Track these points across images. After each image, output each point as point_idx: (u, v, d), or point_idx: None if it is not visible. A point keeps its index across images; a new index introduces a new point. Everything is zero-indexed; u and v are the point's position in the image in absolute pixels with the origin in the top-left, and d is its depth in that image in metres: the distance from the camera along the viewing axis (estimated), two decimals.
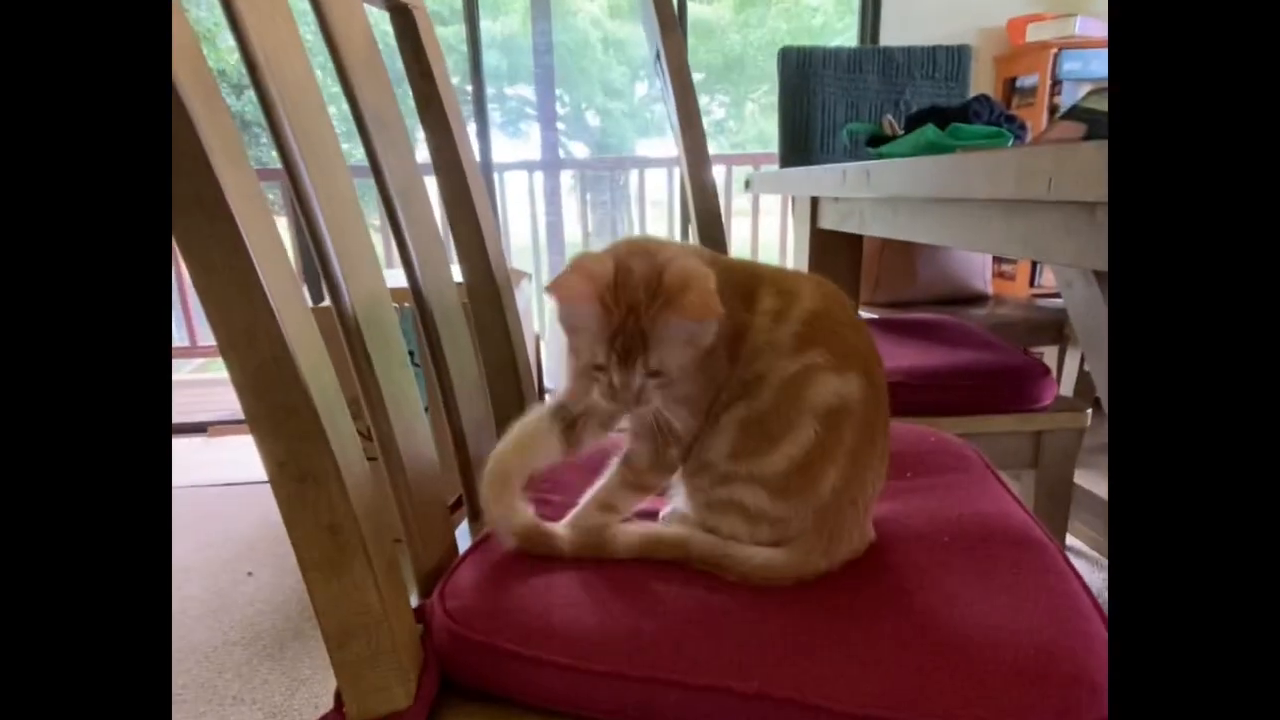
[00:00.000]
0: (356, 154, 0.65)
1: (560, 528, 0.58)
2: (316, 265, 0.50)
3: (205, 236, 0.36)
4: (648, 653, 0.47)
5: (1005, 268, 2.27)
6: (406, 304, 1.46)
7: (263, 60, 0.46)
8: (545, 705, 0.49)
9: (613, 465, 0.59)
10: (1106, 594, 1.44)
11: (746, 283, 0.55)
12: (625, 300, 0.50)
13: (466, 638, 0.50)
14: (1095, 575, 1.50)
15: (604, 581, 0.54)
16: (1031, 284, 2.26)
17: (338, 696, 0.48)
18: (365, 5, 0.66)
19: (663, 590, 0.53)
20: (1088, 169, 0.62)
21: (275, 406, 0.39)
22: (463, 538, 0.66)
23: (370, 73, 0.62)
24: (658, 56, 1.04)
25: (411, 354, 1.55)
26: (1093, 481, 1.63)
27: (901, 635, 0.48)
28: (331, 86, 0.59)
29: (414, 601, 0.54)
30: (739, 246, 3.45)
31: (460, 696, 0.51)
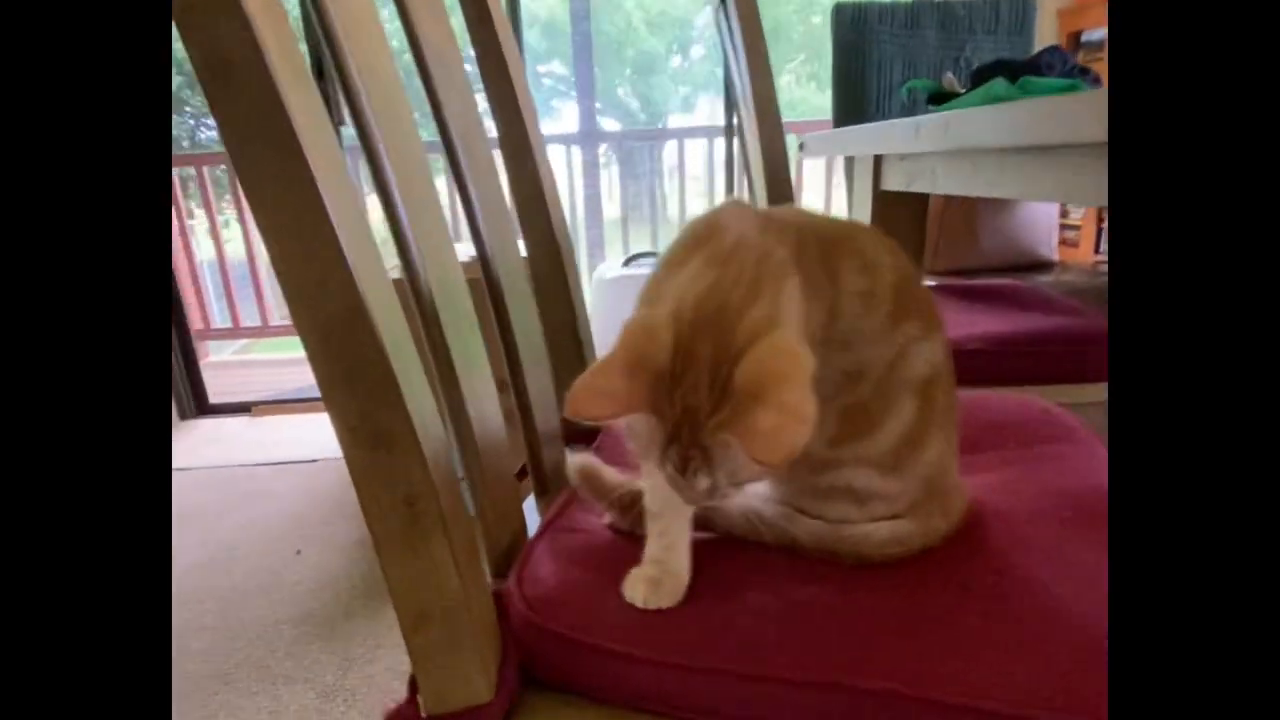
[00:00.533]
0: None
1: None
2: (389, 230, 0.46)
3: (273, 171, 0.32)
4: (751, 649, 0.42)
5: (1068, 234, 2.16)
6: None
7: (342, 32, 0.41)
8: (635, 703, 0.45)
9: None
10: None
11: (829, 252, 0.48)
12: (681, 401, 0.39)
13: (549, 629, 0.46)
14: None
15: (695, 569, 0.49)
16: (1096, 250, 2.15)
17: (412, 684, 0.44)
18: None
19: (758, 579, 0.48)
20: None
21: (347, 362, 0.35)
22: (529, 514, 0.62)
23: (430, 12, 0.57)
24: (722, 3, 0.98)
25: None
26: None
27: (1026, 620, 0.42)
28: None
29: (490, 585, 0.50)
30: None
31: (541, 691, 0.47)
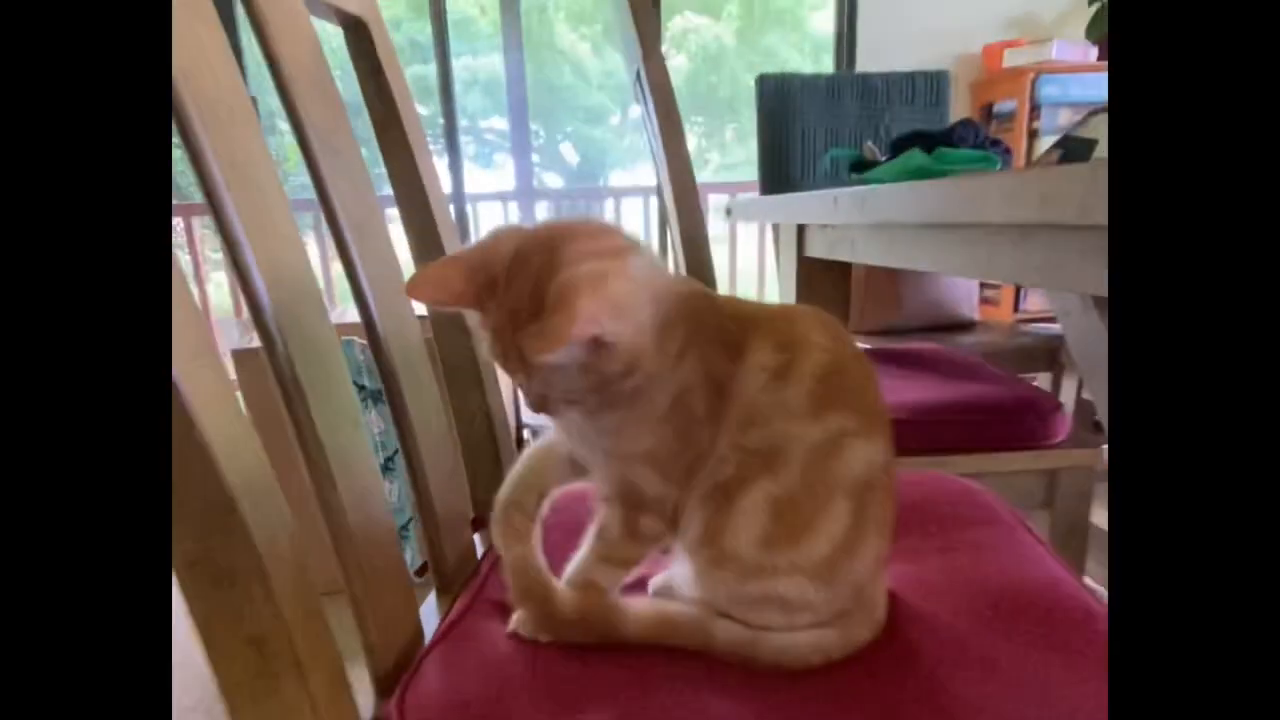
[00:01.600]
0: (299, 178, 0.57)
1: (564, 588, 0.50)
2: (245, 305, 0.42)
3: None
4: None
5: (989, 293, 2.23)
6: (358, 340, 1.37)
7: (179, 72, 0.38)
8: None
9: (589, 536, 0.51)
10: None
11: (732, 328, 0.46)
12: (507, 304, 0.42)
13: None
14: None
15: (603, 678, 0.45)
16: (1015, 309, 2.22)
17: None
18: (313, 19, 0.58)
19: (659, 678, 0.45)
20: (1087, 187, 0.56)
21: (180, 487, 0.31)
22: (427, 617, 0.57)
23: (318, 92, 0.55)
24: (638, 77, 0.98)
25: (378, 392, 1.46)
26: (1104, 518, 1.57)
27: None
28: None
29: (370, 709, 0.46)
30: (716, 275, 3.41)
31: None
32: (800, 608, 0.46)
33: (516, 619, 0.50)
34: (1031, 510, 1.01)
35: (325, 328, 0.48)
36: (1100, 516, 1.55)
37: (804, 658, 0.46)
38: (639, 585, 0.54)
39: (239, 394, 1.28)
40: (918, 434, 0.97)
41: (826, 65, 2.54)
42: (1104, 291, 0.67)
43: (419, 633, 0.55)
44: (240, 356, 1.37)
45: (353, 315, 0.59)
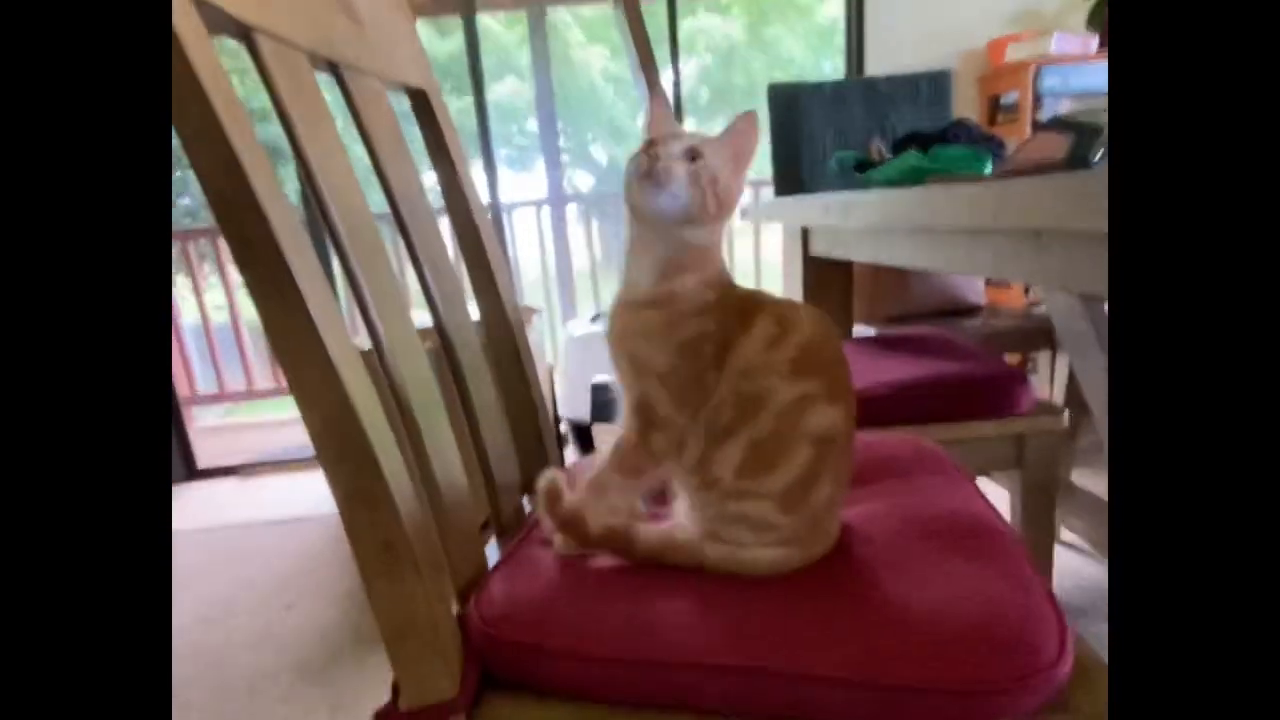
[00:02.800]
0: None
1: (594, 518, 0.66)
2: (364, 325, 0.60)
3: (284, 318, 0.46)
4: (655, 639, 0.56)
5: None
6: (428, 345, 1.56)
7: (314, 161, 0.56)
8: (570, 691, 0.58)
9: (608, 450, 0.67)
10: (1106, 584, 1.50)
11: (746, 305, 0.64)
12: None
13: (501, 638, 0.59)
14: (1091, 568, 1.56)
15: (618, 584, 0.62)
16: (1026, 293, 2.33)
17: (394, 687, 0.57)
18: (389, 93, 0.76)
19: (667, 588, 0.61)
20: (1027, 202, 0.71)
21: (341, 446, 0.49)
22: (492, 554, 0.75)
23: (397, 153, 0.72)
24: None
25: None
26: (1087, 479, 1.69)
27: (871, 613, 0.56)
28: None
29: (454, 610, 0.63)
30: (742, 266, 3.56)
31: (498, 688, 0.60)
32: (765, 528, 0.62)
33: (558, 541, 0.67)
34: (1007, 470, 1.15)
35: (415, 340, 0.65)
36: (1079, 476, 1.67)
37: (771, 567, 0.62)
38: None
39: None
40: (901, 407, 1.12)
41: (834, 55, 2.65)
42: (1034, 281, 0.82)
43: (485, 562, 0.72)
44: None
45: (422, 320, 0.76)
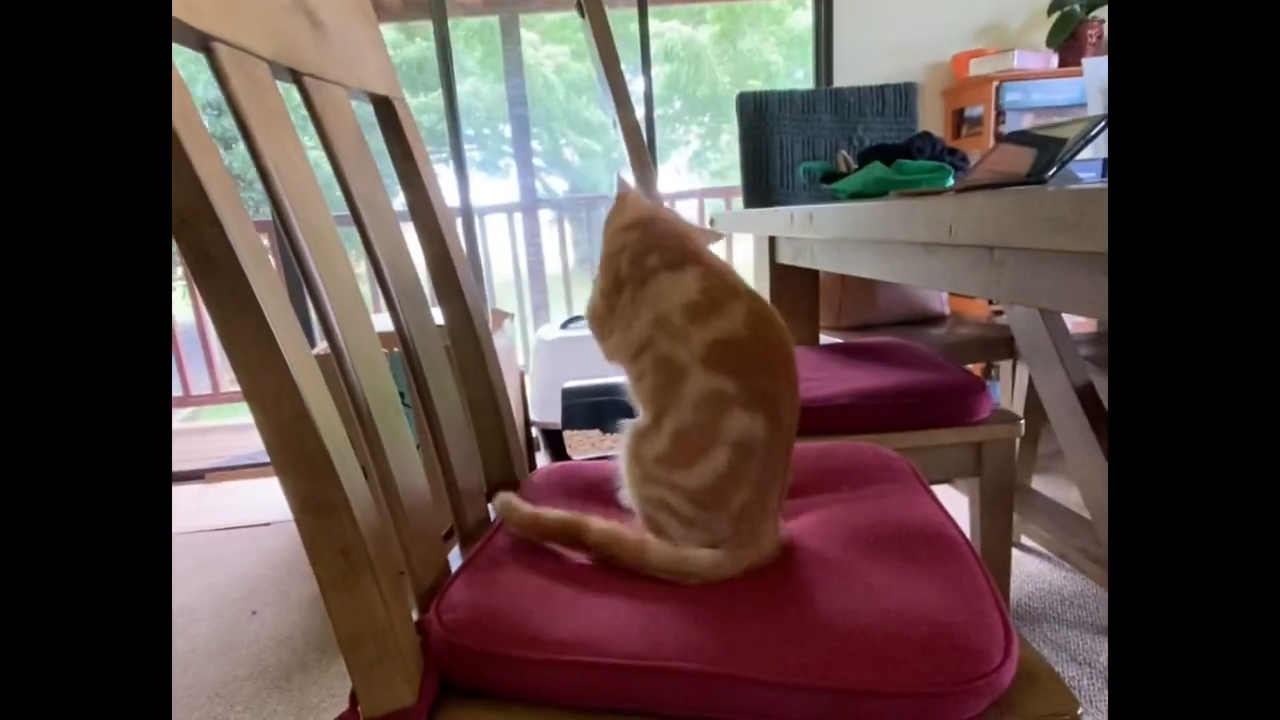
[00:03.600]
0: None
1: (549, 512, 0.69)
2: (321, 330, 0.60)
3: (242, 329, 0.46)
4: (613, 645, 0.56)
5: None
6: (395, 349, 1.55)
7: (272, 168, 0.56)
8: (530, 697, 0.58)
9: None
10: (1063, 588, 1.53)
11: (679, 244, 0.67)
12: None
13: (460, 645, 0.59)
14: (1049, 572, 1.59)
15: (577, 590, 0.63)
16: (990, 302, 2.38)
17: (352, 696, 0.57)
18: (353, 101, 0.76)
19: (626, 593, 0.62)
20: (981, 218, 0.73)
21: (297, 454, 0.49)
22: (454, 561, 0.75)
23: (360, 161, 0.72)
24: (615, 124, 1.15)
25: (402, 395, 1.65)
26: (1047, 486, 1.73)
27: (821, 619, 0.57)
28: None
29: (415, 617, 0.63)
30: None
31: (457, 695, 0.60)
32: (684, 520, 0.63)
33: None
34: (965, 477, 1.17)
35: (375, 344, 0.66)
36: (1039, 483, 1.70)
37: (707, 570, 0.63)
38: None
39: None
40: (862, 416, 1.14)
41: (807, 62, 2.68)
42: (987, 295, 0.84)
43: (447, 568, 0.72)
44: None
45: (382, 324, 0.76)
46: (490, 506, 0.90)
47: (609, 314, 0.69)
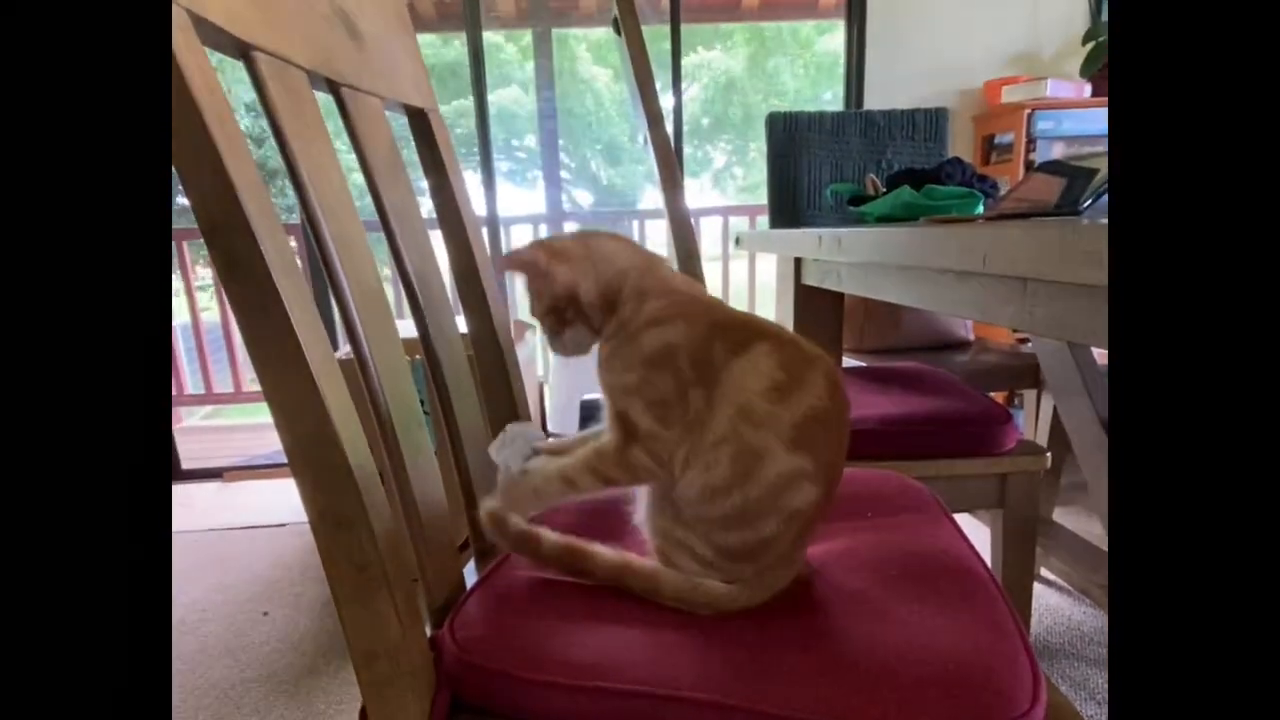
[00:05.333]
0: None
1: (549, 536, 0.65)
2: (348, 339, 0.60)
3: (268, 337, 0.46)
4: (627, 670, 0.55)
5: None
6: (418, 356, 1.56)
7: (306, 175, 0.56)
8: (539, 719, 0.57)
9: (589, 445, 0.65)
10: (1084, 624, 1.50)
11: (726, 322, 0.61)
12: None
13: (474, 664, 0.58)
14: (1071, 607, 1.56)
15: (589, 612, 0.62)
16: (1015, 330, 2.35)
17: (363, 713, 0.56)
18: (388, 112, 0.76)
19: (638, 618, 0.61)
20: (1016, 249, 0.71)
21: (318, 466, 0.48)
22: (470, 575, 0.74)
23: (392, 172, 0.73)
24: (645, 142, 1.15)
25: (421, 402, 1.65)
26: (1069, 518, 1.70)
27: (843, 653, 0.56)
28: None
29: (428, 632, 0.62)
30: (736, 289, 3.57)
31: (468, 713, 0.59)
32: (705, 563, 0.61)
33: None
34: (988, 509, 1.15)
35: (400, 356, 0.65)
36: (1061, 515, 1.67)
37: (728, 602, 0.61)
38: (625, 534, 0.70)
39: None
40: (887, 441, 1.12)
41: (835, 85, 2.68)
42: (1018, 326, 0.82)
43: (462, 583, 0.71)
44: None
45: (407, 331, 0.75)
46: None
47: (666, 429, 0.60)
